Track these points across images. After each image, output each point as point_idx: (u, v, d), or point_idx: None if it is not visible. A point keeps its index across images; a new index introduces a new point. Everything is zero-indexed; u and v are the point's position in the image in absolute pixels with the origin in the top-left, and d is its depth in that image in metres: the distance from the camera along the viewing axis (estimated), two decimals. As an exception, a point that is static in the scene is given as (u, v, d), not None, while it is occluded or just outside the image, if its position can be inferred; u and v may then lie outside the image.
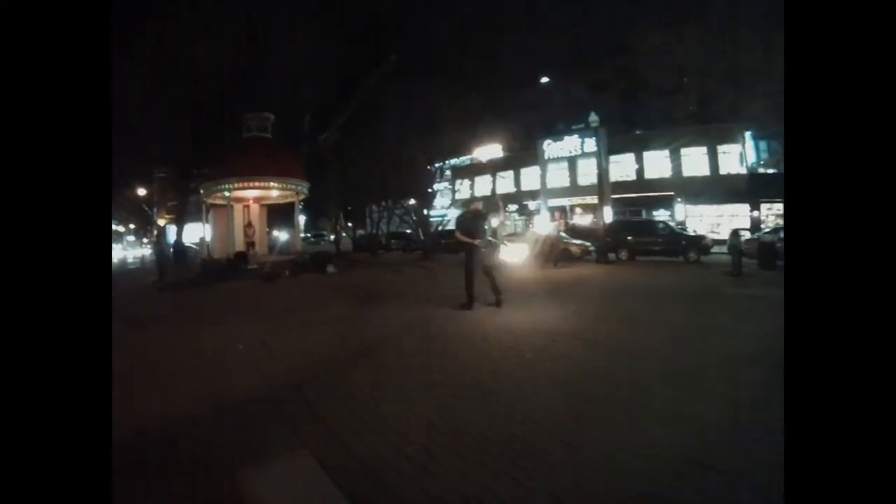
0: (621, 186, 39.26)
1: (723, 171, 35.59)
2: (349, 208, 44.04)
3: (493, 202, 34.31)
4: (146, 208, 53.01)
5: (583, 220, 38.89)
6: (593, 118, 23.14)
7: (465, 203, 12.15)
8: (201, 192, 25.10)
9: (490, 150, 33.35)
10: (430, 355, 6.43)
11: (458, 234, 10.03)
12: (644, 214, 36.66)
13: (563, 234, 23.60)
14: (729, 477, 3.09)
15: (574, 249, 23.17)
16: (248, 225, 24.72)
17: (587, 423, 3.98)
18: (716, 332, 7.20)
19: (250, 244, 24.14)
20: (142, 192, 47.14)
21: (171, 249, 21.64)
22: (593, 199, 30.82)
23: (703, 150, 36.15)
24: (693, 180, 36.36)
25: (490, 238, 18.86)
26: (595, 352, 6.27)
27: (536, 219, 43.03)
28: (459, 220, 10.54)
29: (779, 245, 17.57)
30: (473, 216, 10.38)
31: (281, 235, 37.87)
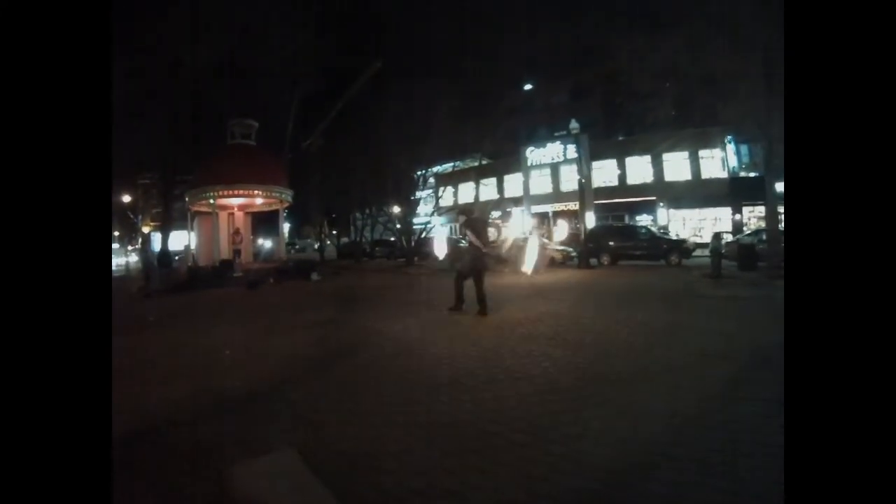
0: (604, 192, 39.57)
1: (705, 175, 35.83)
2: (333, 216, 44.04)
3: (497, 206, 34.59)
4: (131, 215, 52.55)
5: (560, 227, 39.07)
6: (574, 125, 23.33)
7: (464, 210, 11.59)
8: (186, 199, 25.08)
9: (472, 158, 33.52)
10: (411, 356, 6.56)
11: (470, 236, 9.86)
12: (627, 219, 36.82)
13: (544, 240, 23.75)
14: (695, 465, 3.18)
15: (556, 255, 23.37)
16: (236, 232, 24.71)
17: (562, 419, 4.08)
18: (686, 331, 7.38)
19: (237, 252, 24.15)
20: (126, 198, 46.73)
21: (156, 257, 21.54)
22: (576, 206, 30.96)
23: (685, 154, 36.43)
24: (675, 185, 36.60)
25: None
26: (573, 352, 6.39)
27: (510, 224, 43.13)
28: (470, 223, 10.25)
29: (759, 247, 17.86)
30: (480, 220, 10.42)
31: (266, 243, 37.85)
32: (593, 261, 22.47)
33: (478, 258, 9.79)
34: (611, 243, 23.40)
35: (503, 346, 6.90)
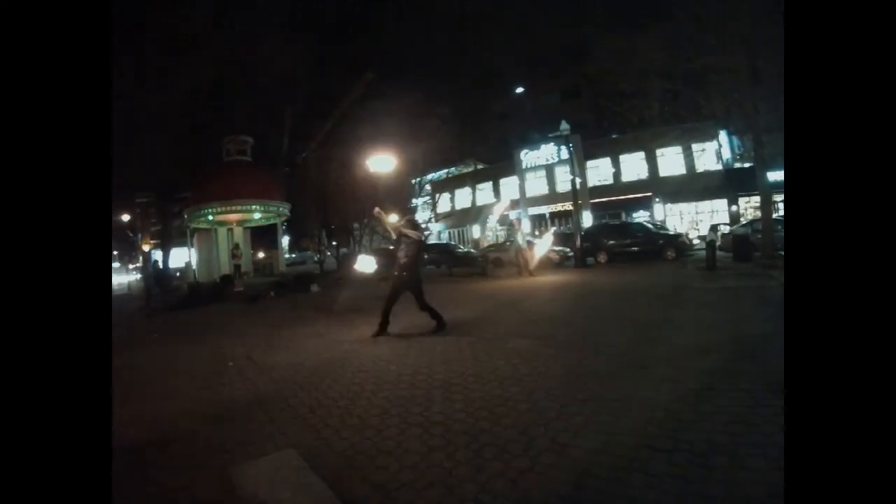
0: (599, 191, 39.78)
1: (699, 168, 36.10)
2: (332, 227, 44.09)
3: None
4: (130, 234, 52.70)
5: (546, 237, 39.29)
6: (564, 126, 23.44)
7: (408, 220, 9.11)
8: (185, 216, 25.32)
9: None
10: (405, 361, 6.73)
11: (411, 234, 8.69)
12: (624, 217, 36.67)
13: (529, 240, 23.89)
14: (681, 457, 3.28)
15: (553, 256, 23.51)
16: (236, 247, 24.90)
17: (548, 415, 4.24)
18: (674, 325, 7.53)
19: (237, 266, 24.30)
20: (125, 217, 46.83)
21: (153, 275, 21.78)
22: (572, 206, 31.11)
23: (678, 149, 36.57)
24: (670, 179, 36.83)
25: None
26: (561, 350, 6.54)
27: (490, 227, 43.16)
28: (411, 223, 9.19)
29: (753, 238, 18.00)
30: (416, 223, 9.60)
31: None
32: (590, 260, 22.52)
33: (415, 267, 8.80)
34: (606, 242, 23.44)
35: (493, 347, 7.07)
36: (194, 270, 26.80)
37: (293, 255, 61.46)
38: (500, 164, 47.88)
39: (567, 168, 31.80)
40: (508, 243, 23.11)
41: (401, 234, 8.79)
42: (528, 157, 44.64)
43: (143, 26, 24.25)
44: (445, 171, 45.03)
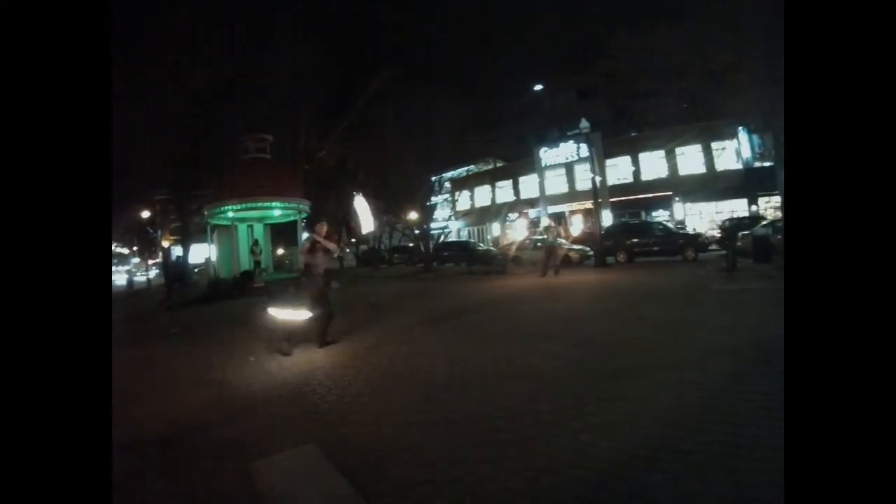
0: (619, 189, 39.42)
1: (719, 167, 35.58)
2: (351, 224, 44.15)
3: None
4: (150, 230, 53.21)
5: (574, 225, 39.03)
6: (584, 124, 23.37)
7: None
8: (205, 213, 25.55)
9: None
10: (424, 359, 6.83)
11: (325, 244, 8.19)
12: (643, 216, 36.47)
13: (561, 241, 23.88)
14: (700, 458, 3.30)
15: (573, 255, 23.49)
16: (255, 243, 25.10)
17: (568, 414, 4.27)
18: (693, 326, 7.49)
19: (257, 263, 24.56)
20: (144, 214, 47.25)
21: (173, 270, 22.02)
22: (592, 204, 30.90)
23: (698, 148, 36.22)
24: (690, 178, 36.36)
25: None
26: (582, 350, 6.57)
27: (517, 227, 42.99)
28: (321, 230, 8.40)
29: (773, 239, 17.78)
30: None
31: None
32: (610, 259, 22.38)
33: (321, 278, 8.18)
34: (626, 241, 23.30)
35: (511, 345, 7.14)
36: (214, 266, 27.02)
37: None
38: (519, 162, 47.71)
39: (586, 166, 31.68)
40: (539, 243, 23.12)
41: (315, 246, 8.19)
42: (547, 155, 44.41)
43: (162, 26, 24.48)
44: (465, 168, 44.83)
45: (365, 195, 12.69)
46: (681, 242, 22.07)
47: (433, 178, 34.47)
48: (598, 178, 24.62)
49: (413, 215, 32.05)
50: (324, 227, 8.29)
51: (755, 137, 33.54)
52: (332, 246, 8.30)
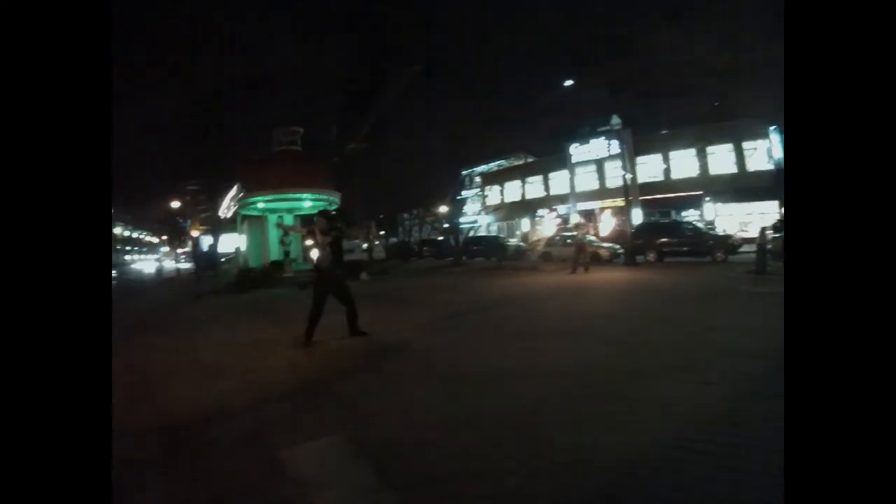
0: (650, 188, 39.14)
1: (750, 168, 35.11)
2: (381, 216, 44.44)
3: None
4: (180, 220, 53.80)
5: (605, 223, 38.75)
6: (615, 121, 23.32)
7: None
8: (235, 204, 25.97)
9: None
10: (453, 351, 7.06)
11: (320, 239, 8.25)
12: (673, 215, 35.99)
13: (591, 238, 23.86)
14: (719, 460, 3.32)
15: (602, 253, 23.49)
16: (285, 234, 25.45)
17: (591, 413, 4.36)
18: (722, 328, 7.53)
19: (286, 253, 24.94)
20: (174, 204, 47.82)
21: (202, 259, 22.44)
22: (622, 202, 30.70)
23: (729, 147, 35.81)
24: (720, 178, 35.93)
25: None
26: (607, 348, 6.66)
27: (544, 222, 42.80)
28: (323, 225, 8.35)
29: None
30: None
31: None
32: (639, 258, 22.29)
33: (333, 270, 8.18)
34: (656, 240, 23.21)
35: (539, 341, 7.23)
36: (244, 255, 27.44)
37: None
38: (549, 158, 47.47)
39: (617, 163, 31.51)
40: (569, 240, 23.17)
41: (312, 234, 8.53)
42: (577, 151, 44.21)
43: (189, 24, 24.84)
44: (496, 163, 44.89)
45: (392, 188, 12.91)
46: (710, 243, 21.93)
47: (463, 173, 34.58)
48: (628, 176, 24.54)
49: (443, 209, 32.19)
50: (322, 222, 8.36)
51: (785, 136, 32.91)
52: (316, 239, 8.37)
